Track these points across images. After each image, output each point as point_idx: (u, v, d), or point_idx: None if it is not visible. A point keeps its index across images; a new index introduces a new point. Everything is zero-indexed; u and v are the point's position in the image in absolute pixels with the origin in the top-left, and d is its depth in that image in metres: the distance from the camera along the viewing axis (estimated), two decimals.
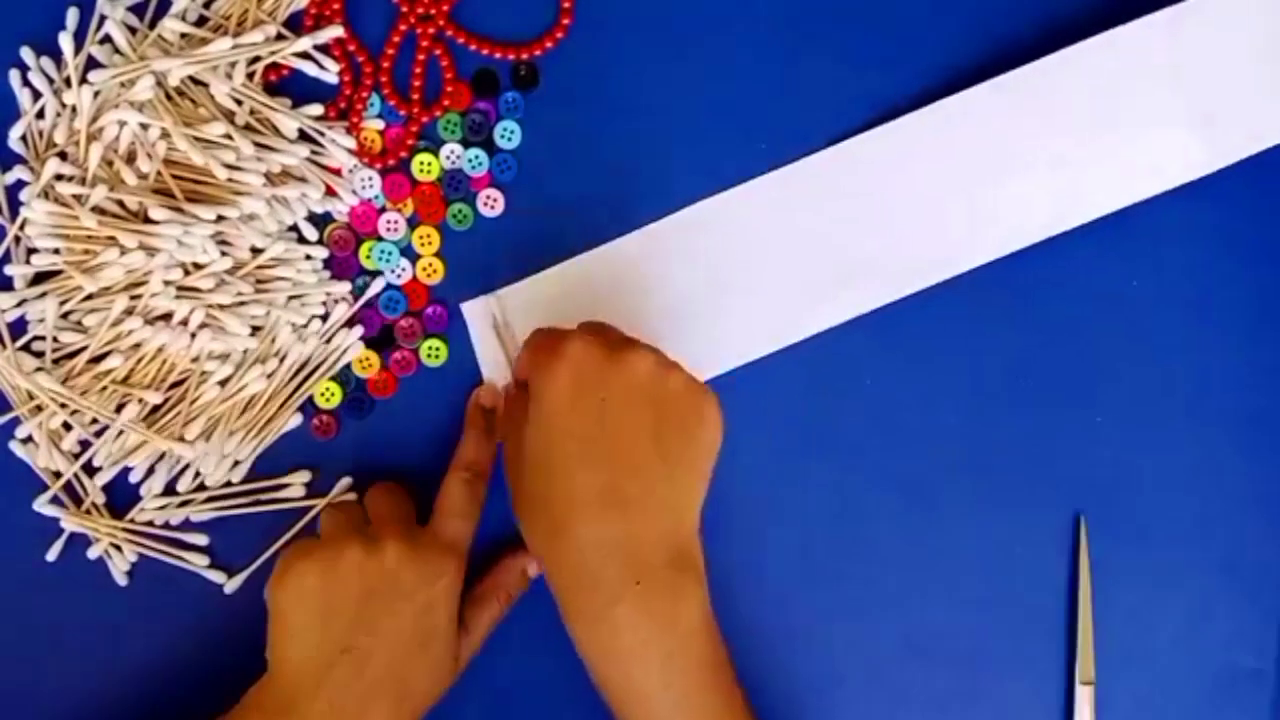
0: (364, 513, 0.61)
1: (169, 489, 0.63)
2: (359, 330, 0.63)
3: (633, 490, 0.54)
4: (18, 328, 0.62)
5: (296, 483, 0.63)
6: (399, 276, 0.64)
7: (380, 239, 0.63)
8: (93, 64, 0.61)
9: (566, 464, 0.54)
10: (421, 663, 0.57)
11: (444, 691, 0.59)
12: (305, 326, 0.63)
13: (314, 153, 0.62)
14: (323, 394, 0.63)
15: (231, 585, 0.63)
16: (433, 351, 0.64)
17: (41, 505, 0.62)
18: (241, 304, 0.61)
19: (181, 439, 0.62)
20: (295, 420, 0.63)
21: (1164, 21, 0.62)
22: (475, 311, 0.64)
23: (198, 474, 0.62)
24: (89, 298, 0.61)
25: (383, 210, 0.63)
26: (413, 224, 0.64)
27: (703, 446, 0.56)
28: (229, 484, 0.63)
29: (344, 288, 0.63)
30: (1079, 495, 0.64)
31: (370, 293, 0.63)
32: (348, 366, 0.64)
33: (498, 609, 0.62)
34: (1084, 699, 0.63)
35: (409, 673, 0.57)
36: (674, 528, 0.55)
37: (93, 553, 0.62)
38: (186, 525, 0.63)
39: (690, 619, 0.55)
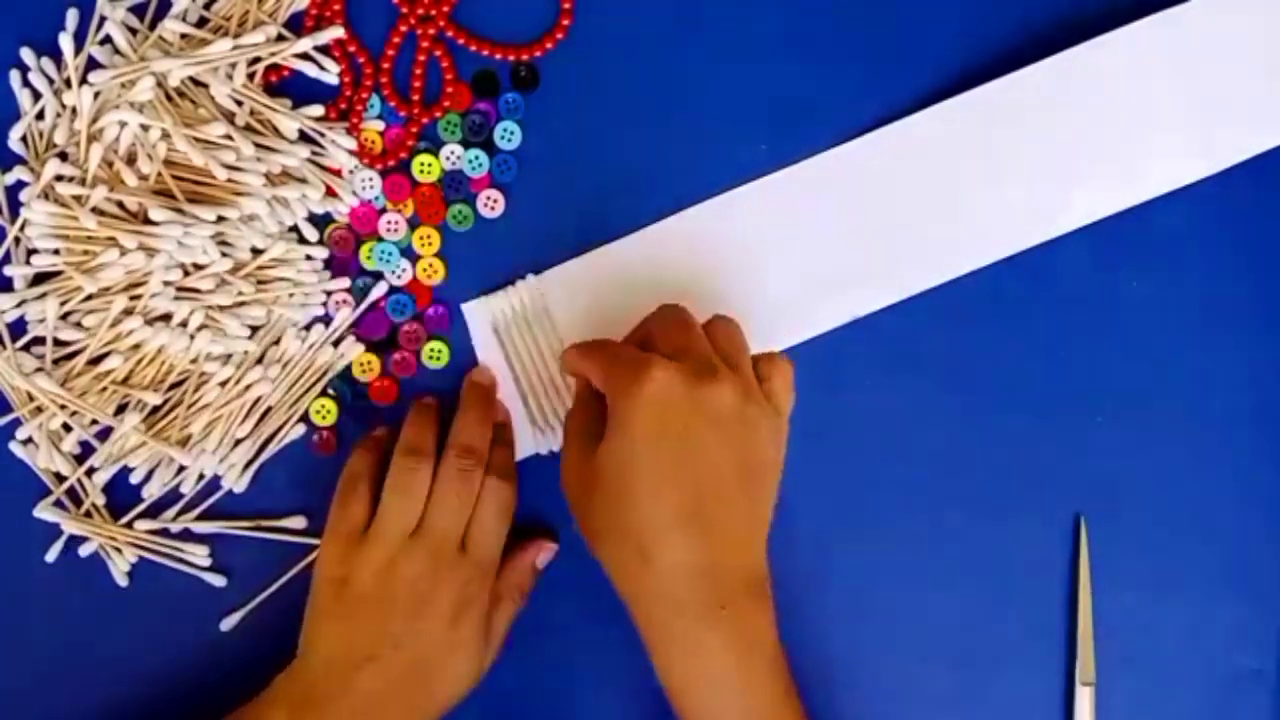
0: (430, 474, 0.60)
1: (170, 492, 0.63)
2: (359, 348, 0.63)
3: (716, 516, 0.54)
4: (18, 329, 0.62)
5: (294, 526, 0.63)
6: (399, 277, 0.64)
7: (380, 240, 0.63)
8: (93, 65, 0.61)
9: (649, 492, 0.54)
10: (446, 670, 0.58)
11: (467, 691, 0.59)
12: (308, 329, 0.63)
13: (314, 153, 0.62)
14: (318, 412, 0.63)
15: (229, 623, 0.63)
16: (434, 353, 0.64)
17: (43, 511, 0.62)
18: (241, 305, 0.61)
19: (182, 442, 0.62)
20: (298, 431, 0.63)
21: (1162, 23, 0.62)
22: (476, 312, 0.64)
23: (200, 476, 0.62)
24: (89, 298, 0.61)
25: (383, 211, 0.63)
26: (413, 225, 0.64)
27: (773, 472, 0.57)
28: (231, 493, 0.63)
29: (343, 284, 0.63)
30: (1079, 496, 0.64)
31: (373, 296, 0.63)
32: (348, 377, 0.64)
33: (513, 608, 0.62)
34: (1084, 700, 0.63)
35: (433, 679, 0.58)
36: (752, 554, 0.56)
37: (84, 550, 0.62)
38: (187, 532, 0.63)
39: (769, 645, 0.55)
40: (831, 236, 0.63)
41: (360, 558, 0.58)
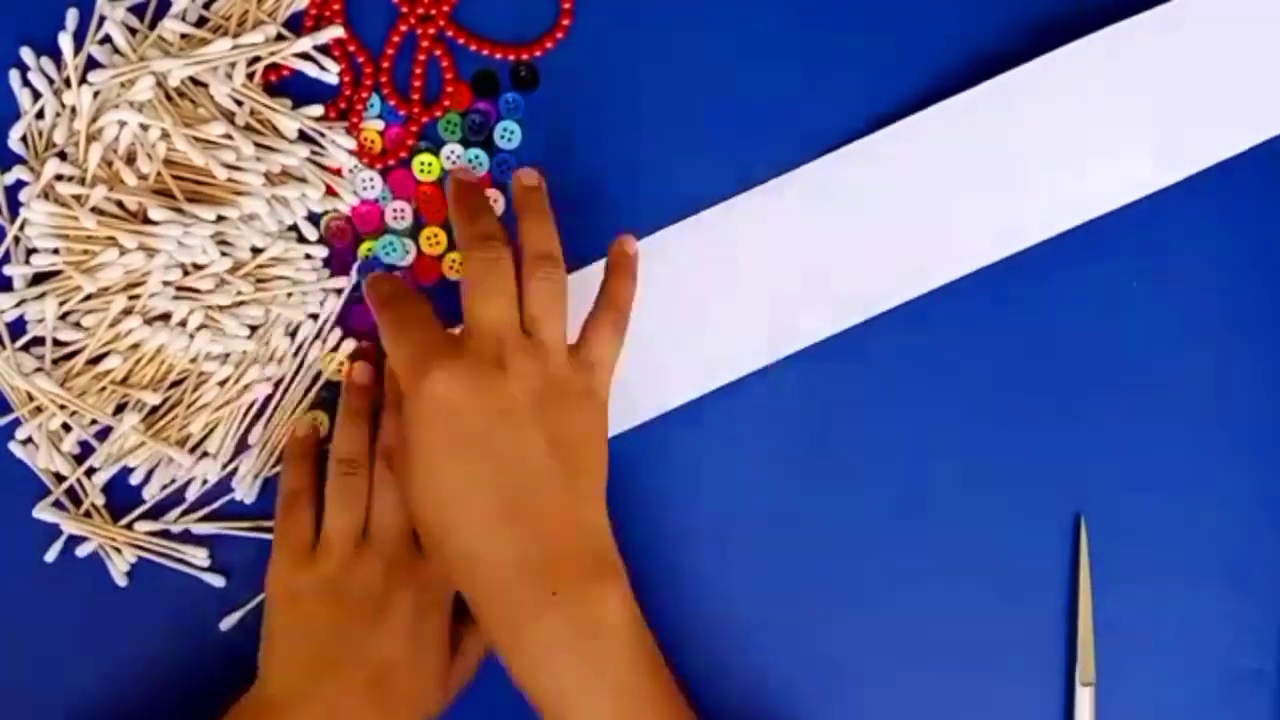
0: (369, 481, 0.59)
1: (172, 494, 0.62)
2: (351, 343, 0.63)
3: (534, 507, 0.53)
4: (17, 329, 0.62)
5: None
6: (405, 258, 0.63)
7: (384, 232, 0.63)
8: (93, 64, 0.61)
9: (459, 503, 0.53)
10: (411, 680, 0.57)
11: (436, 712, 0.58)
12: (298, 329, 0.63)
13: (314, 153, 0.62)
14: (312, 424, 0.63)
15: (229, 622, 0.63)
16: None
17: (42, 511, 0.62)
18: (241, 304, 0.61)
19: (181, 442, 0.62)
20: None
21: (1133, 29, 0.62)
22: None
23: (204, 481, 0.62)
24: (88, 298, 0.61)
25: (387, 204, 0.63)
26: (419, 225, 0.63)
27: (595, 440, 0.55)
28: (229, 493, 0.63)
29: (343, 283, 0.63)
30: (1079, 496, 0.64)
31: (354, 278, 0.63)
32: (335, 390, 0.63)
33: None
34: (1084, 700, 0.63)
35: (399, 691, 0.57)
36: (583, 527, 0.54)
37: (83, 550, 0.62)
38: (186, 532, 0.63)
39: (614, 620, 0.53)
40: (829, 244, 0.63)
41: (312, 571, 0.58)
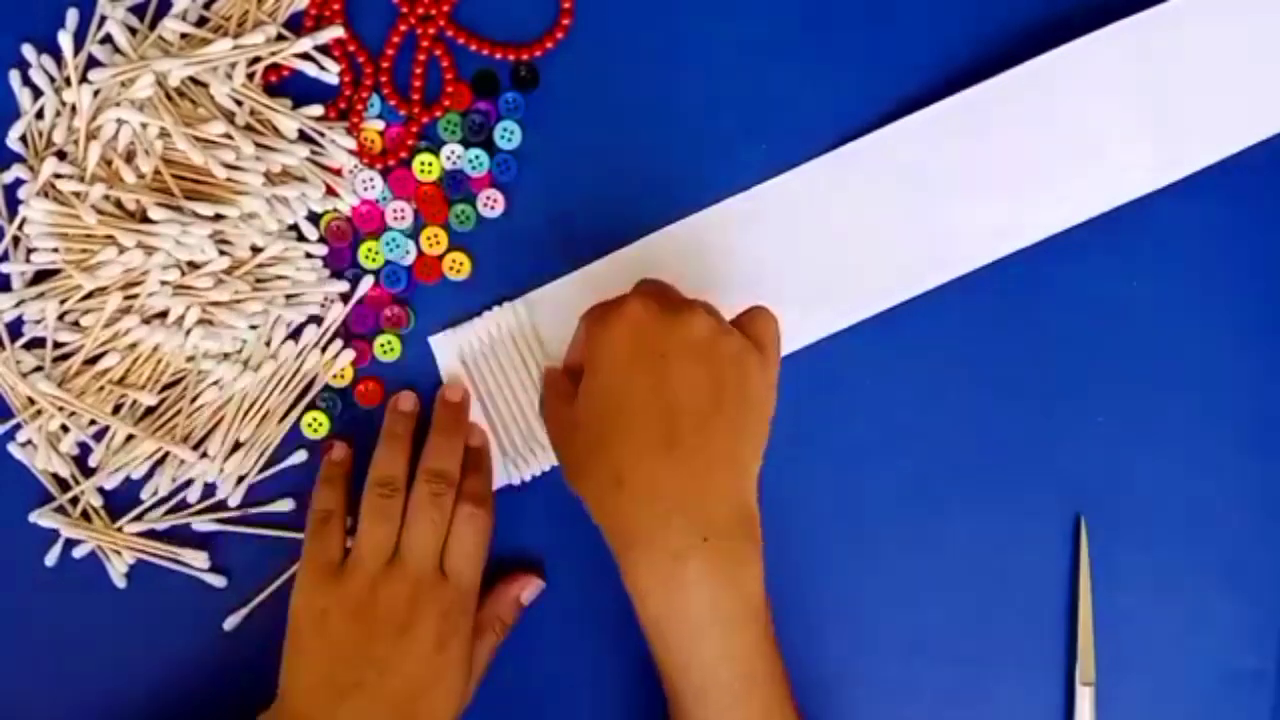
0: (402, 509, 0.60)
1: (170, 495, 0.62)
2: (351, 353, 0.63)
3: (695, 439, 0.53)
4: (15, 329, 0.62)
5: (281, 509, 0.63)
6: (405, 259, 0.63)
7: (386, 230, 0.63)
8: (94, 64, 0.61)
9: (627, 417, 0.53)
10: (433, 697, 0.58)
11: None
12: (299, 332, 0.63)
13: (314, 153, 0.62)
14: (310, 425, 0.63)
15: (231, 622, 0.63)
16: (386, 346, 0.63)
17: (40, 517, 0.62)
18: (239, 303, 0.61)
19: (183, 442, 0.62)
20: (301, 456, 0.63)
21: (1134, 29, 0.62)
22: (442, 345, 0.63)
23: (205, 484, 0.62)
24: (87, 297, 0.60)
25: (388, 203, 0.63)
26: (419, 225, 0.64)
27: (759, 407, 0.56)
28: (225, 504, 0.63)
29: (342, 286, 0.63)
30: (1079, 495, 0.64)
31: (361, 291, 0.63)
32: (336, 388, 0.63)
33: (494, 639, 0.61)
34: (1084, 700, 0.63)
35: (420, 708, 0.57)
36: (738, 484, 0.54)
37: (79, 552, 0.62)
38: (186, 532, 0.63)
39: (754, 587, 0.54)
40: (831, 242, 0.63)
41: (340, 588, 0.58)
